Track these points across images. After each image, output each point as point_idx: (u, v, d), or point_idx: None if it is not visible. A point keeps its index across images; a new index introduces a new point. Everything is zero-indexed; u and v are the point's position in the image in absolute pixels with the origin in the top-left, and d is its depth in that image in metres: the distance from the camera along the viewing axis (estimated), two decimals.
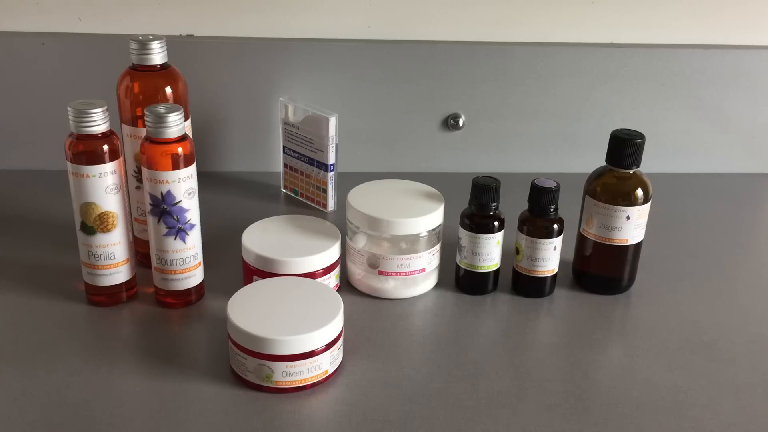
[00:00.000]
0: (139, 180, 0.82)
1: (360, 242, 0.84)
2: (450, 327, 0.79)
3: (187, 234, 0.77)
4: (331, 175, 1.00)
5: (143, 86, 0.80)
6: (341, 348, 0.72)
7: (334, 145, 0.98)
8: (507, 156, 1.15)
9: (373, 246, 0.83)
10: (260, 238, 0.80)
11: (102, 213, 0.75)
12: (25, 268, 0.86)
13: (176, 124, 0.73)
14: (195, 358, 0.73)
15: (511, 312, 0.82)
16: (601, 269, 0.85)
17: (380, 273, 0.82)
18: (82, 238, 0.77)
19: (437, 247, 0.83)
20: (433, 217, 0.81)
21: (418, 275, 0.82)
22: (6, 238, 0.92)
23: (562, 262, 0.85)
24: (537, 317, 0.82)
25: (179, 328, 0.78)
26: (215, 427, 0.65)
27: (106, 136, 0.73)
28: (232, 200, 1.04)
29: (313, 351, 0.67)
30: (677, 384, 0.72)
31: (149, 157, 0.74)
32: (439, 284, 0.86)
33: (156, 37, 0.80)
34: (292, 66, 1.07)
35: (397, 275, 0.82)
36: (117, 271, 0.78)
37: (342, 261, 0.85)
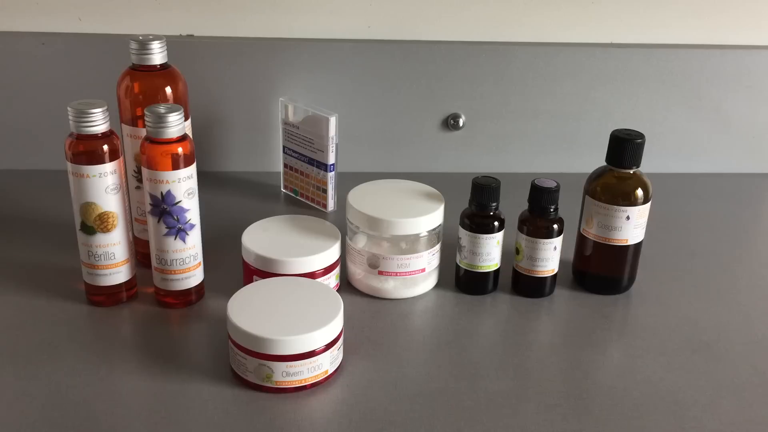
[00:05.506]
0: (139, 180, 0.82)
1: (360, 242, 0.84)
2: (450, 327, 0.79)
3: (187, 234, 0.77)
4: (331, 175, 1.00)
5: (143, 86, 0.80)
6: (341, 348, 0.72)
7: (334, 145, 0.98)
8: (507, 156, 1.15)
9: (373, 246, 0.83)
10: (260, 238, 0.80)
11: (102, 213, 0.75)
12: (25, 268, 0.86)
13: (176, 124, 0.73)
14: (195, 358, 0.73)
15: (511, 312, 0.82)
16: (601, 269, 0.85)
17: (380, 273, 0.82)
18: (82, 238, 0.77)
19: (437, 247, 0.83)
20: (433, 217, 0.81)
21: (418, 275, 0.82)
22: (6, 238, 0.92)
23: (562, 262, 0.85)
24: (537, 317, 0.82)
25: (179, 328, 0.78)
26: (215, 427, 0.65)
27: (106, 136, 0.73)
28: (232, 200, 1.04)
29: (313, 351, 0.67)
30: (677, 384, 0.72)
31: (149, 157, 0.74)
32: (439, 284, 0.86)
33: (156, 37, 0.80)
34: (292, 66, 1.07)
35: (397, 275, 0.82)
36: (117, 271, 0.78)
37: (342, 261, 0.85)
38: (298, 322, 0.68)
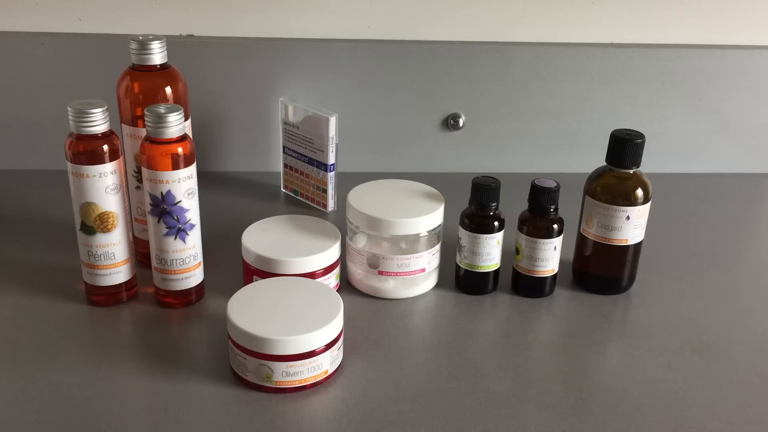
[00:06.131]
0: (139, 180, 0.82)
1: (360, 242, 0.84)
2: (450, 327, 0.79)
3: (187, 234, 0.77)
4: (331, 175, 1.00)
5: (143, 86, 0.80)
6: (341, 348, 0.72)
7: (334, 145, 0.98)
8: (507, 156, 1.15)
9: (373, 246, 0.83)
10: (260, 238, 0.80)
11: (102, 213, 0.75)
12: (25, 268, 0.86)
13: (176, 124, 0.73)
14: (195, 358, 0.73)
15: (511, 312, 0.82)
16: (601, 269, 0.85)
17: (380, 273, 0.82)
18: (82, 238, 0.77)
19: (437, 247, 0.83)
20: (433, 217, 0.81)
21: (418, 275, 0.82)
22: (6, 238, 0.92)
23: (562, 262, 0.85)
24: (537, 317, 0.82)
25: (179, 328, 0.78)
26: (215, 427, 0.65)
27: (106, 136, 0.73)
28: (232, 200, 1.04)
29: (313, 351, 0.67)
30: (677, 384, 0.72)
31: (149, 157, 0.74)
32: (439, 284, 0.86)
33: (156, 37, 0.80)
34: (292, 66, 1.07)
35: (397, 275, 0.82)
36: (117, 271, 0.78)
37: (342, 261, 0.85)
38: (298, 322, 0.68)
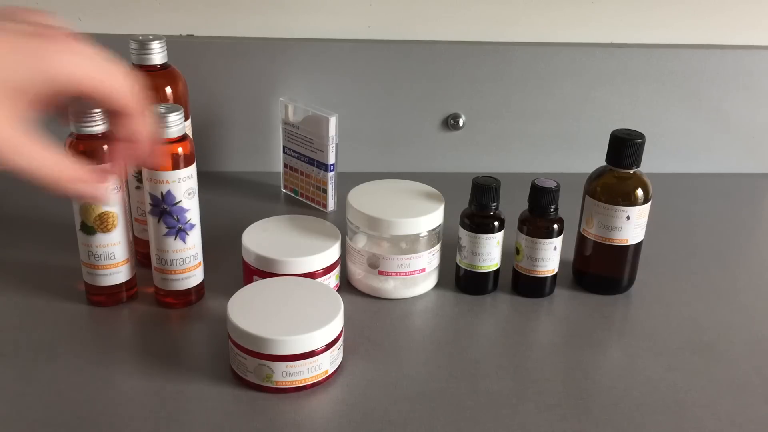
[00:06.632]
0: (139, 180, 0.82)
1: (360, 242, 0.84)
2: (450, 327, 0.79)
3: (187, 234, 0.77)
4: (331, 175, 1.00)
5: (143, 86, 0.80)
6: (341, 348, 0.72)
7: (334, 145, 0.98)
8: (507, 156, 1.15)
9: (373, 246, 0.83)
10: (260, 238, 0.80)
11: (102, 213, 0.75)
12: (25, 268, 0.86)
13: (176, 124, 0.73)
14: (195, 358, 0.73)
15: (511, 312, 0.82)
16: (601, 269, 0.85)
17: (380, 273, 0.82)
18: (82, 238, 0.77)
19: (437, 247, 0.83)
20: (433, 217, 0.81)
21: (418, 275, 0.82)
22: (6, 238, 0.92)
23: (562, 262, 0.85)
24: (537, 317, 0.82)
25: (179, 328, 0.78)
26: (215, 427, 0.65)
27: (106, 136, 0.73)
28: (232, 200, 1.04)
29: (313, 351, 0.67)
30: (677, 384, 0.72)
31: None
32: (439, 284, 0.86)
33: (156, 37, 0.80)
34: (292, 66, 1.07)
35: (397, 275, 0.82)
36: (117, 271, 0.78)
37: (342, 261, 0.85)
38: (298, 322, 0.68)
